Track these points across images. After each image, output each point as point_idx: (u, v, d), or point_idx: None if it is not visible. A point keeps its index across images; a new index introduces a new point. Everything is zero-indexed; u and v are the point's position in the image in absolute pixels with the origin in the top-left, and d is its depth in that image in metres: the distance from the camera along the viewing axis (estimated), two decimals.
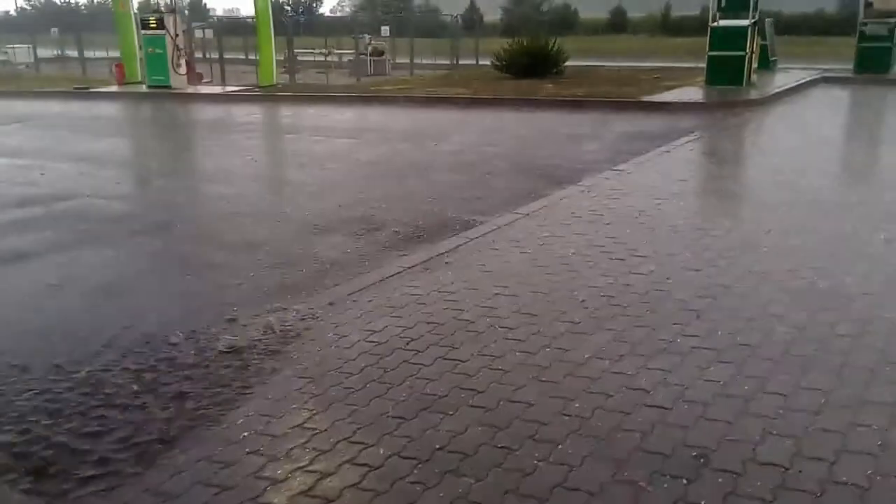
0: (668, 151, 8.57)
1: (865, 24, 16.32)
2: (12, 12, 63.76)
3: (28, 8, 65.05)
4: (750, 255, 4.78)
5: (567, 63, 18.30)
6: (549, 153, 9.10)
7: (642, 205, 6.07)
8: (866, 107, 13.80)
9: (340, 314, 3.98)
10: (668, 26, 40.35)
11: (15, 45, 27.65)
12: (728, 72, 13.81)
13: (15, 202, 6.78)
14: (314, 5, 66.27)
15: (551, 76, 17.32)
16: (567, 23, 44.63)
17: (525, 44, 18.20)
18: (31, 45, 27.53)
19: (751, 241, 5.11)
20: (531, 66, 17.40)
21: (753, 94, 13.37)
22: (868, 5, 16.39)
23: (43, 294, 4.53)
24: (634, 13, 48.26)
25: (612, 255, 4.84)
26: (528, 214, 5.91)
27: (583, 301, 4.06)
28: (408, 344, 3.57)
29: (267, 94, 16.60)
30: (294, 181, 8.13)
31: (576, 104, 13.16)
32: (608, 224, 5.57)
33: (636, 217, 5.73)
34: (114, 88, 18.18)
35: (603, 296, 4.12)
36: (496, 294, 4.20)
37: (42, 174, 8.19)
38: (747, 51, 13.77)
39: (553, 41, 18.32)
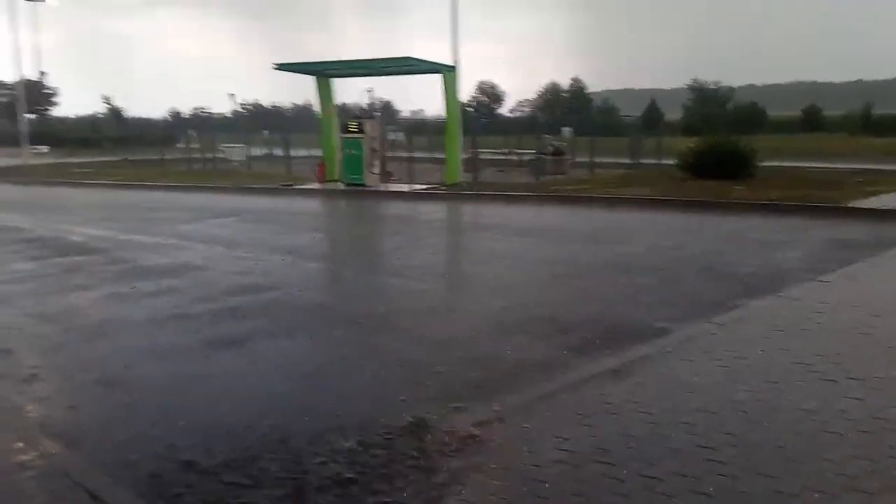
0: (879, 263, 7.91)
1: None
2: (228, 114, 72.20)
3: (242, 111, 73.28)
4: None
5: (759, 164, 17.61)
6: (742, 259, 8.70)
7: (855, 321, 5.60)
8: None
9: (530, 419, 3.95)
10: (869, 125, 37.86)
11: (230, 145, 31.09)
12: None
13: (231, 290, 7.47)
14: (495, 106, 69.19)
15: (741, 177, 16.70)
16: (755, 121, 43.23)
17: (712, 143, 17.80)
18: (243, 145, 30.83)
19: None
20: (718, 166, 16.92)
21: None
22: None
23: (246, 379, 4.90)
24: (830, 111, 45.90)
25: (821, 374, 4.47)
26: (722, 324, 5.64)
27: (790, 424, 3.76)
28: (602, 456, 3.47)
29: (451, 192, 17.34)
30: (478, 278, 8.34)
31: (770, 208, 12.53)
32: (815, 340, 5.17)
33: (848, 334, 5.28)
34: (315, 186, 19.81)
35: (813, 420, 3.80)
36: (693, 409, 4.00)
37: (255, 264, 9.00)
38: None
39: (742, 140, 17.76)
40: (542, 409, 4.08)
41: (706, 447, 3.52)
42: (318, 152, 22.40)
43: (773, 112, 47.99)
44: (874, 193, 13.25)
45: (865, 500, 2.97)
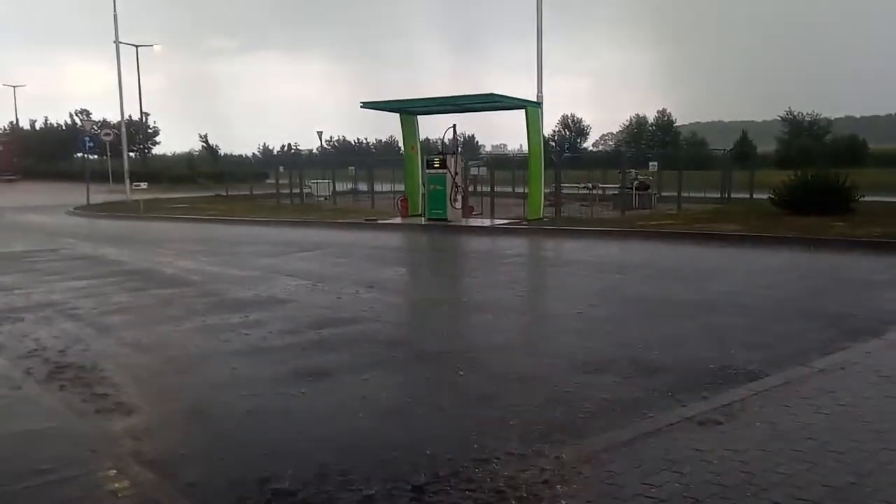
0: None
1: None
2: (315, 151, 74.39)
3: (329, 148, 75.40)
4: None
5: (859, 198, 16.80)
6: (842, 300, 8.26)
7: None
8: None
9: (615, 463, 3.81)
10: None
11: (317, 180, 31.93)
12: None
13: (317, 323, 7.60)
14: (579, 140, 68.85)
15: (840, 213, 15.92)
16: (854, 154, 41.33)
17: (808, 177, 17.11)
18: (329, 180, 31.62)
19: None
20: (816, 201, 16.22)
21: None
22: None
23: (328, 413, 4.93)
24: None
25: None
26: (823, 370, 5.33)
27: None
28: None
29: (533, 227, 17.25)
30: (561, 315, 8.20)
31: (873, 245, 11.90)
32: None
33: None
34: (398, 220, 20.09)
35: None
36: (791, 459, 3.77)
37: (339, 298, 9.15)
38: None
39: (843, 174, 16.99)
40: (628, 454, 3.93)
41: (806, 500, 3.31)
42: (401, 187, 22.74)
43: (874, 144, 45.86)
44: None
45: None
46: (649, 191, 22.64)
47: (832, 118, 51.06)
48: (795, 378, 5.14)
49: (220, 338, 7.04)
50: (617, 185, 22.87)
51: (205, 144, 69.99)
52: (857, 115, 69.15)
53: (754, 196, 21.65)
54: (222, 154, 71.62)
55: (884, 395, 4.71)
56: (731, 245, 13.21)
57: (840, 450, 3.87)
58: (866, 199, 17.32)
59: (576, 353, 6.21)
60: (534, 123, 18.89)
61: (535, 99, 19.31)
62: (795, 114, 49.66)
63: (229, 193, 34.41)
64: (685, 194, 22.13)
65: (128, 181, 32.81)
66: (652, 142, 52.86)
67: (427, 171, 19.57)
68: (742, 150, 44.22)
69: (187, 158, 67.54)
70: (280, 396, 5.23)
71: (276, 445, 4.29)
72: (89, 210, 28.39)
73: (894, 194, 20.11)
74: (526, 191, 19.63)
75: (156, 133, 70.33)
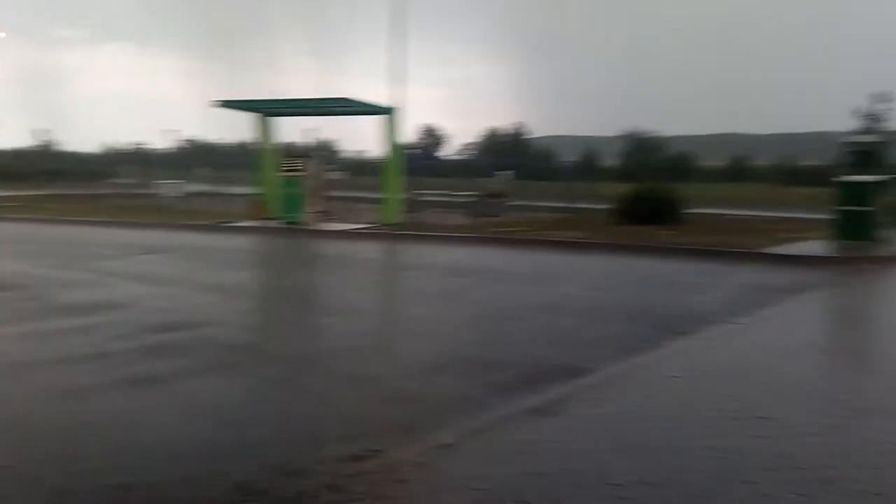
0: (791, 306, 8.27)
1: None
2: (167, 151, 71.09)
3: (181, 148, 72.20)
4: (880, 420, 4.45)
5: (686, 210, 18.26)
6: (664, 301, 8.97)
7: (765, 361, 5.83)
8: None
9: (447, 458, 3.98)
10: (792, 176, 39.64)
11: (167, 181, 30.57)
12: (855, 227, 13.27)
13: (156, 328, 7.31)
14: (438, 149, 69.98)
15: (669, 223, 17.28)
16: (685, 169, 44.93)
17: (642, 189, 18.39)
18: (180, 181, 30.36)
19: (883, 403, 4.77)
20: (649, 212, 17.49)
21: (882, 251, 12.76)
22: None
23: (158, 420, 4.80)
24: (758, 161, 48.03)
25: (730, 413, 4.64)
26: (642, 364, 5.80)
27: (698, 462, 3.88)
28: (515, 496, 3.50)
29: (388, 232, 17.41)
30: (408, 318, 8.37)
31: (694, 252, 13.00)
32: (726, 379, 5.36)
33: (757, 374, 5.49)
34: (252, 223, 19.59)
35: (720, 458, 3.93)
36: (608, 447, 4.09)
37: (181, 302, 8.83)
38: (876, 206, 13.28)
39: (672, 187, 18.42)
40: (459, 449, 4.11)
41: (616, 484, 3.61)
42: (258, 190, 22.22)
43: (705, 161, 50.02)
44: (792, 240, 13.87)
45: None
46: (500, 199, 23.44)
47: (668, 136, 55.15)
48: (617, 372, 5.57)
49: (45, 344, 6.62)
50: (472, 193, 23.52)
51: (41, 139, 65.03)
52: (690, 134, 74.98)
53: (597, 206, 22.95)
54: (63, 151, 66.82)
55: (688, 388, 5.20)
56: (572, 251, 13.97)
57: (649, 437, 4.24)
58: (694, 211, 18.88)
59: (418, 354, 6.38)
60: (390, 129, 19.08)
61: (390, 105, 19.44)
62: (635, 131, 53.29)
63: (70, 193, 32.19)
64: (535, 203, 23.10)
65: None
66: (507, 152, 54.73)
67: (282, 173, 19.25)
68: (587, 163, 46.83)
69: (20, 154, 62.39)
70: (107, 405, 5.00)
71: (97, 458, 4.11)
72: None
73: (719, 207, 22.02)
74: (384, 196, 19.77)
75: None
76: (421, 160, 44.84)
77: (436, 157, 63.58)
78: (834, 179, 13.92)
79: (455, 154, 69.43)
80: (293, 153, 20.80)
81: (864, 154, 13.62)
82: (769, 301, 8.42)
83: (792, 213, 19.61)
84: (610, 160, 51.72)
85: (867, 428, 4.38)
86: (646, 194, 18.12)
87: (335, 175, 25.63)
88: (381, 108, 19.21)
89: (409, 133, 69.07)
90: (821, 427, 4.39)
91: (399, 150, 20.04)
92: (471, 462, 3.92)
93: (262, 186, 20.93)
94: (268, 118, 20.45)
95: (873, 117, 14.02)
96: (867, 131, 14.23)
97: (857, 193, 13.30)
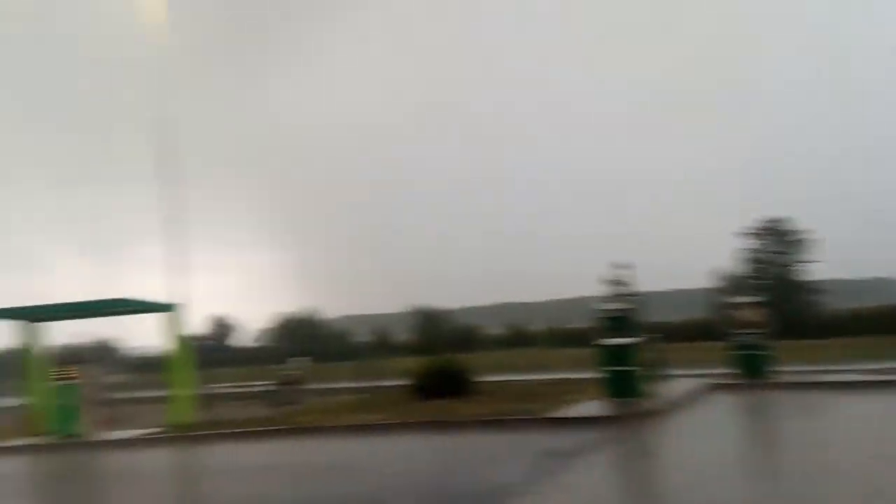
0: (583, 469, 9.00)
1: (735, 332, 18.21)
2: None
3: None
4: None
5: (476, 380, 19.23)
6: (465, 478, 9.37)
7: None
8: (757, 412, 15.08)
9: None
10: (563, 339, 43.10)
11: None
12: (622, 386, 14.50)
13: None
14: (227, 338, 67.79)
15: (463, 395, 18.01)
16: (471, 340, 47.67)
17: (435, 363, 19.20)
18: None
19: None
20: (442, 385, 18.17)
21: (651, 405, 14.16)
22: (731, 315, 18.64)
23: None
24: (536, 326, 51.85)
25: None
26: None
27: None
28: None
29: (180, 435, 16.45)
30: None
31: (485, 424, 13.68)
32: None
33: None
34: (21, 441, 17.57)
35: None
36: None
37: None
38: (636, 365, 14.64)
39: (461, 359, 19.38)
40: None
41: None
42: (28, 401, 20.09)
43: (488, 330, 53.20)
44: (573, 402, 15.10)
45: None
46: (299, 385, 23.15)
47: (453, 308, 58.30)
48: None
49: None
50: (269, 382, 23.04)
51: None
52: (472, 305, 79.81)
53: (394, 383, 23.42)
54: None
55: None
56: (373, 434, 14.14)
57: None
58: (483, 379, 19.92)
59: None
60: (174, 326, 18.57)
61: (171, 301, 18.94)
62: (419, 306, 55.89)
63: None
64: (335, 385, 23.02)
65: None
66: (301, 336, 54.47)
67: (55, 383, 17.74)
68: (380, 340, 47.91)
69: None
70: None
71: None
72: None
73: (504, 373, 23.51)
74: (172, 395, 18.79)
75: None
76: (212, 351, 43.25)
77: (228, 347, 61.47)
78: (594, 343, 15.39)
79: (248, 342, 67.63)
80: (65, 359, 19.35)
81: (615, 319, 15.13)
82: (562, 467, 9.10)
83: (566, 374, 21.36)
84: (402, 335, 53.21)
85: None
86: (438, 368, 18.89)
87: (116, 377, 24.01)
88: (161, 305, 18.73)
89: (197, 324, 66.52)
90: None
91: (187, 343, 19.44)
92: None
93: (31, 397, 19.06)
94: (34, 324, 19.05)
95: (618, 283, 15.92)
96: (616, 297, 16.03)
97: (617, 355, 14.76)
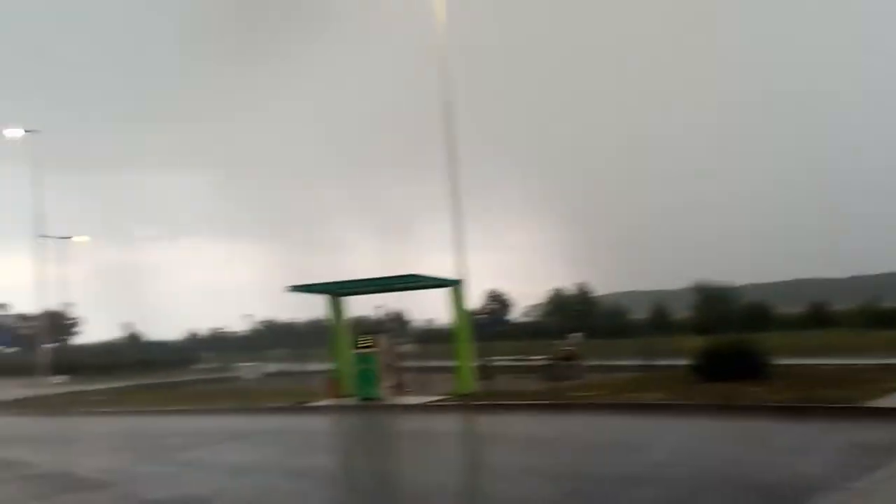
0: None
1: None
2: (244, 334, 73.33)
3: (256, 330, 74.45)
4: None
5: (771, 363, 17.49)
6: (763, 468, 8.45)
7: None
8: None
9: None
10: (880, 318, 37.60)
11: (246, 363, 31.36)
12: None
13: None
14: (504, 313, 70.21)
15: (756, 378, 16.48)
16: (763, 318, 43.31)
17: (722, 343, 17.82)
18: (258, 363, 31.11)
19: None
20: (732, 367, 16.78)
21: None
22: None
23: None
24: (839, 305, 46.24)
25: None
26: None
27: None
28: None
29: (464, 403, 17.17)
30: (488, 497, 8.08)
31: (787, 410, 12.24)
32: None
33: None
34: (329, 402, 19.67)
35: None
36: None
37: (267, 491, 8.79)
38: None
39: (752, 339, 17.77)
40: None
41: None
42: (333, 367, 22.50)
43: (780, 309, 48.30)
44: (891, 391, 13.05)
45: None
46: (575, 361, 23.05)
47: (738, 285, 54.12)
48: None
49: None
50: (545, 357, 23.26)
51: (128, 332, 68.45)
52: (761, 282, 73.59)
53: (674, 363, 22.30)
54: (147, 341, 69.86)
55: None
56: (656, 414, 13.47)
57: None
58: (778, 362, 18.04)
59: None
60: (457, 300, 19.41)
61: (456, 277, 19.86)
62: (705, 282, 52.42)
63: (154, 382, 33.30)
64: (609, 362, 22.58)
65: (48, 375, 31.59)
66: (574, 312, 54.49)
67: (356, 350, 19.56)
68: (658, 318, 46.06)
69: (109, 347, 65.50)
70: None
71: None
72: (4, 407, 26.92)
73: (802, 356, 21.06)
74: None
75: (77, 323, 68.58)
76: (489, 326, 45.01)
77: (504, 322, 63.66)
78: None
79: (522, 317, 69.45)
80: (365, 329, 21.21)
81: None
82: (883, 463, 7.83)
83: (881, 360, 18.61)
84: (681, 313, 50.70)
85: None
86: (726, 348, 17.48)
87: (406, 347, 25.88)
88: (447, 280, 19.68)
89: (474, 299, 69.93)
90: None
91: (467, 318, 20.26)
92: None
93: (336, 364, 21.22)
94: (338, 298, 21.13)
95: None
96: None
97: None
